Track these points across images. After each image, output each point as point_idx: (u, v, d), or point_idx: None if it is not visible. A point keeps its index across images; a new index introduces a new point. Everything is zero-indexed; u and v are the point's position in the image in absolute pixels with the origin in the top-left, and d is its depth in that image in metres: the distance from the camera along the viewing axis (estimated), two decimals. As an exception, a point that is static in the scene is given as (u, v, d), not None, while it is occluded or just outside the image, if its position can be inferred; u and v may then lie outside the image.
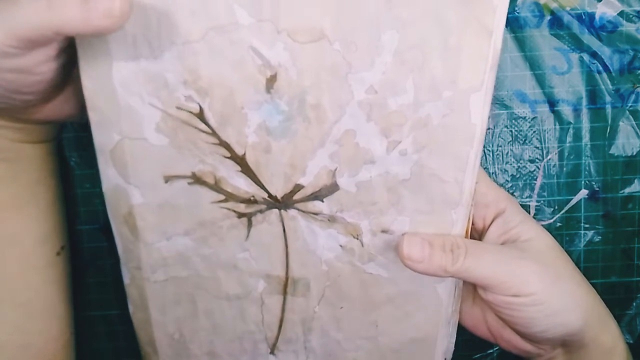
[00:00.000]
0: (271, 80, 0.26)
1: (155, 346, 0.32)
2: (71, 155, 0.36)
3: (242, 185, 0.28)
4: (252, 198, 0.28)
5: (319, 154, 0.27)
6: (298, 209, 0.28)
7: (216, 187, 0.28)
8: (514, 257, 0.28)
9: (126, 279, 0.31)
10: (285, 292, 0.30)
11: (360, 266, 0.29)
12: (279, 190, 0.28)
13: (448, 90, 0.25)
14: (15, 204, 0.29)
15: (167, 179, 0.28)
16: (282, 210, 0.29)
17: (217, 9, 0.25)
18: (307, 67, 0.26)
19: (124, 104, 0.27)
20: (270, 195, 0.28)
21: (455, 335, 0.32)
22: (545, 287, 0.27)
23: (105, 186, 0.29)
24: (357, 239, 0.29)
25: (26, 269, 0.30)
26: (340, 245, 0.29)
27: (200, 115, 0.27)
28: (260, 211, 0.29)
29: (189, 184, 0.28)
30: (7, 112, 0.28)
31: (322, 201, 0.28)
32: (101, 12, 0.22)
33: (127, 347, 0.38)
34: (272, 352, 0.32)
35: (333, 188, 0.28)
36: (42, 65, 0.25)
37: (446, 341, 0.31)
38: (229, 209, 0.29)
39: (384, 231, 0.28)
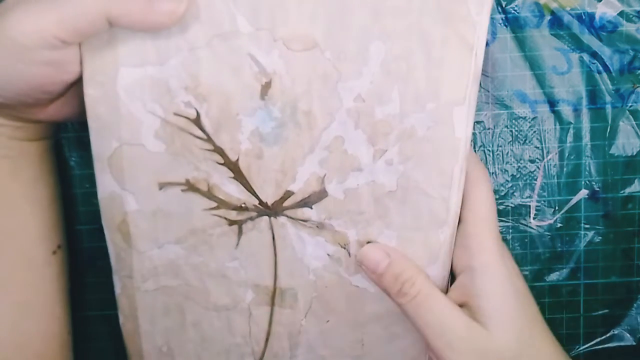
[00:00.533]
0: (266, 87, 0.27)
1: (143, 359, 0.32)
2: (71, 155, 0.36)
3: (233, 192, 0.28)
4: (243, 205, 0.29)
5: (309, 160, 0.28)
6: (287, 216, 0.29)
7: (209, 194, 0.28)
8: (461, 338, 0.26)
9: (117, 289, 0.31)
10: (272, 304, 0.30)
11: (346, 277, 0.29)
12: (269, 196, 0.28)
13: (431, 102, 0.26)
14: (13, 201, 0.29)
15: (162, 186, 0.28)
16: (272, 218, 0.29)
17: (222, 17, 0.26)
18: (300, 75, 0.26)
19: (125, 110, 0.27)
20: (261, 202, 0.29)
21: None
22: None
23: (101, 193, 0.29)
24: (345, 248, 0.29)
25: (22, 267, 0.30)
26: (328, 254, 0.29)
27: (197, 121, 0.27)
28: (251, 218, 0.29)
29: (182, 191, 0.28)
30: (9, 111, 0.28)
31: (311, 208, 0.28)
32: (165, 11, 0.24)
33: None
34: None
35: (322, 194, 0.28)
36: (73, 64, 0.26)
37: None
38: (220, 217, 0.29)
39: (370, 243, 0.29)
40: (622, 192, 0.35)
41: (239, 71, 0.27)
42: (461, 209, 0.28)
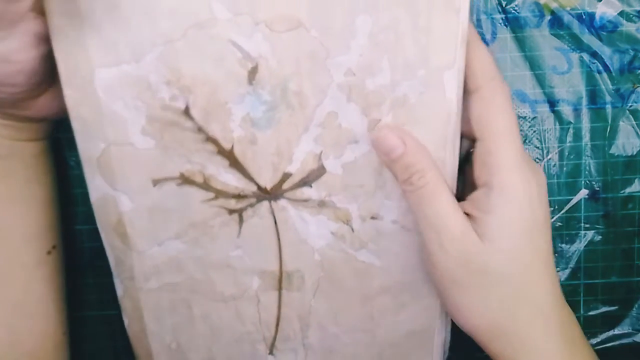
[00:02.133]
0: (252, 72, 0.27)
1: (152, 358, 0.32)
2: (71, 155, 0.35)
3: (231, 180, 0.28)
4: (241, 193, 0.29)
5: (304, 139, 0.28)
6: (287, 198, 0.29)
7: (205, 185, 0.28)
8: (453, 241, 0.26)
9: (119, 291, 0.31)
10: (280, 288, 0.30)
11: (352, 253, 0.29)
12: (267, 181, 0.28)
13: (421, 68, 0.26)
14: (7, 200, 0.29)
15: (156, 183, 0.28)
16: (271, 202, 0.29)
17: (196, 6, 0.25)
18: (287, 56, 0.26)
19: (108, 110, 0.27)
20: (259, 188, 0.29)
21: (450, 324, 0.32)
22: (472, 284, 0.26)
23: (94, 197, 0.29)
24: (348, 224, 0.29)
25: (14, 267, 0.30)
26: (331, 232, 0.29)
27: (187, 112, 0.27)
28: (251, 205, 0.29)
29: (177, 185, 0.28)
30: None
31: (311, 186, 0.28)
32: None
33: (127, 347, 0.38)
34: (270, 353, 0.32)
35: (320, 171, 0.28)
36: (19, 53, 0.25)
37: (444, 332, 0.31)
38: (219, 207, 0.29)
39: (373, 217, 0.29)
40: (622, 192, 0.35)
41: (222, 59, 0.26)
42: (478, 124, 0.27)
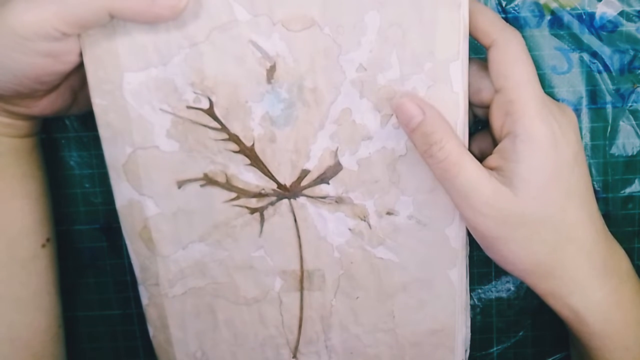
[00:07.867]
0: (271, 71, 0.27)
1: None
2: (71, 155, 0.36)
3: (251, 179, 0.29)
4: (262, 191, 0.29)
5: (320, 136, 0.28)
6: (306, 196, 0.29)
7: (228, 185, 0.29)
8: (487, 203, 0.26)
9: (144, 299, 0.31)
10: (302, 288, 0.31)
11: (370, 250, 0.30)
12: (286, 178, 0.29)
13: (429, 61, 0.27)
14: (4, 195, 0.30)
15: (180, 184, 0.29)
16: (291, 200, 0.29)
17: (218, 8, 0.26)
18: (302, 54, 0.27)
19: (135, 115, 0.28)
20: (279, 185, 0.29)
21: (470, 321, 0.32)
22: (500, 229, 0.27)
23: (119, 203, 0.29)
24: (365, 220, 0.30)
25: (10, 261, 0.30)
26: (349, 229, 0.30)
27: (210, 111, 0.28)
28: (271, 203, 0.30)
29: (201, 186, 0.29)
30: (3, 105, 0.28)
31: (328, 183, 0.29)
32: (167, 5, 0.24)
33: (127, 347, 0.38)
34: (294, 357, 0.32)
35: (337, 168, 0.29)
36: (69, 55, 0.26)
37: (464, 329, 0.31)
38: (241, 206, 0.29)
39: (389, 213, 0.29)
40: (622, 192, 0.35)
41: (243, 59, 0.27)
42: (497, 76, 0.27)
